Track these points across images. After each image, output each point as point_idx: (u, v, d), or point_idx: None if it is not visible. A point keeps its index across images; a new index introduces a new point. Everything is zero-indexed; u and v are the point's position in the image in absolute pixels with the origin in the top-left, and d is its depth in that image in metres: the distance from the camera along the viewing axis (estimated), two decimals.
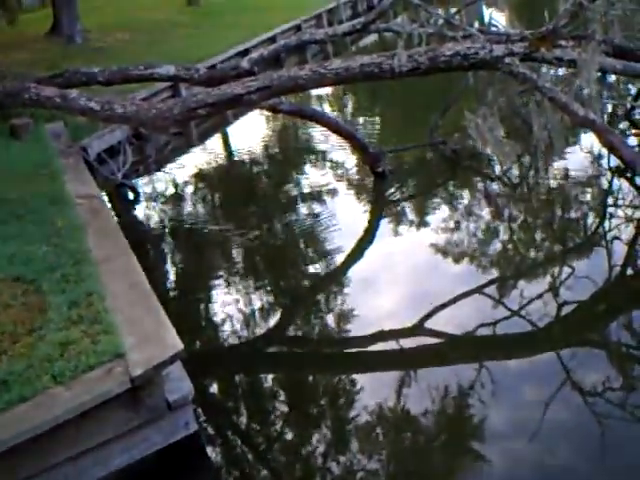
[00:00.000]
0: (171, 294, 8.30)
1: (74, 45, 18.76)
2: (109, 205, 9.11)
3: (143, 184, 11.73)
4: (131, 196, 11.18)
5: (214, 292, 8.13)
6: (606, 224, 8.77)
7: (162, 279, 8.49)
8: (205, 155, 13.47)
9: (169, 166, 12.73)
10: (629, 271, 7.66)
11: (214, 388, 6.69)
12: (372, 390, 6.15)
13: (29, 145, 10.25)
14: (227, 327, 7.36)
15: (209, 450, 5.63)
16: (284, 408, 6.24)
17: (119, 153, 11.34)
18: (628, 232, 8.33)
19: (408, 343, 6.76)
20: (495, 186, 10.19)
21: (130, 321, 5.27)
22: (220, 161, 13.39)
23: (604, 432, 5.23)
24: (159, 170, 12.41)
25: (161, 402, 4.96)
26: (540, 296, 7.14)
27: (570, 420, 5.51)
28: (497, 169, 10.37)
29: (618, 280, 7.47)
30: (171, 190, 11.69)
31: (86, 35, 19.49)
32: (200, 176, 12.20)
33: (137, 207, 11.10)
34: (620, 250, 7.95)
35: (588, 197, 9.50)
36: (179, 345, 4.90)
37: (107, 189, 10.61)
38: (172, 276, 8.84)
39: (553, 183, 10.00)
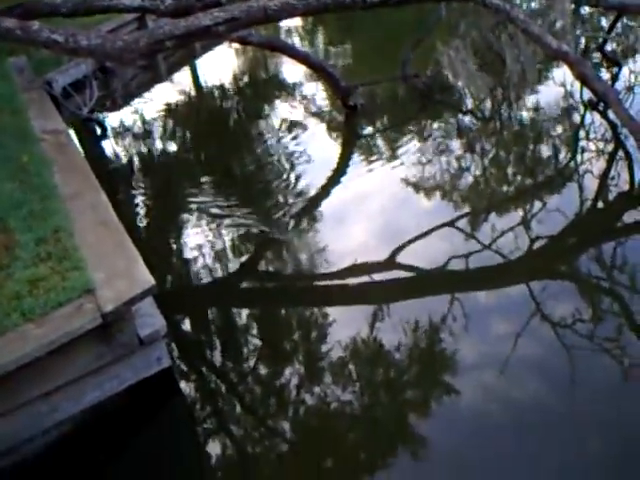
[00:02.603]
0: (141, 230, 8.22)
1: None
2: (76, 140, 8.92)
3: (110, 119, 11.51)
4: (98, 131, 10.98)
5: (185, 228, 8.06)
6: (578, 158, 8.78)
7: (132, 215, 8.39)
8: (173, 89, 13.21)
9: (137, 100, 12.50)
10: (600, 204, 7.69)
11: (187, 324, 6.68)
12: (344, 324, 6.18)
13: None
14: (199, 263, 7.32)
15: (182, 385, 5.66)
16: (257, 342, 6.26)
17: (85, 87, 11.08)
18: (599, 166, 8.34)
19: (380, 277, 6.79)
20: (467, 119, 10.12)
21: (100, 257, 5.19)
22: (189, 95, 13.13)
23: (573, 363, 5.32)
24: (126, 104, 12.18)
25: (133, 338, 4.94)
26: (511, 229, 7.18)
27: (540, 352, 5.58)
28: (469, 102, 10.30)
29: (589, 213, 7.52)
30: (139, 125, 11.50)
31: None
32: (169, 110, 12.00)
33: (105, 142, 10.91)
34: (591, 184, 7.97)
35: (560, 130, 9.47)
36: (150, 280, 4.85)
37: (73, 124, 10.40)
38: (142, 212, 8.72)
39: (525, 116, 9.97)
